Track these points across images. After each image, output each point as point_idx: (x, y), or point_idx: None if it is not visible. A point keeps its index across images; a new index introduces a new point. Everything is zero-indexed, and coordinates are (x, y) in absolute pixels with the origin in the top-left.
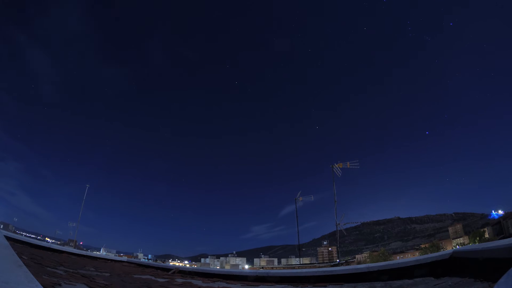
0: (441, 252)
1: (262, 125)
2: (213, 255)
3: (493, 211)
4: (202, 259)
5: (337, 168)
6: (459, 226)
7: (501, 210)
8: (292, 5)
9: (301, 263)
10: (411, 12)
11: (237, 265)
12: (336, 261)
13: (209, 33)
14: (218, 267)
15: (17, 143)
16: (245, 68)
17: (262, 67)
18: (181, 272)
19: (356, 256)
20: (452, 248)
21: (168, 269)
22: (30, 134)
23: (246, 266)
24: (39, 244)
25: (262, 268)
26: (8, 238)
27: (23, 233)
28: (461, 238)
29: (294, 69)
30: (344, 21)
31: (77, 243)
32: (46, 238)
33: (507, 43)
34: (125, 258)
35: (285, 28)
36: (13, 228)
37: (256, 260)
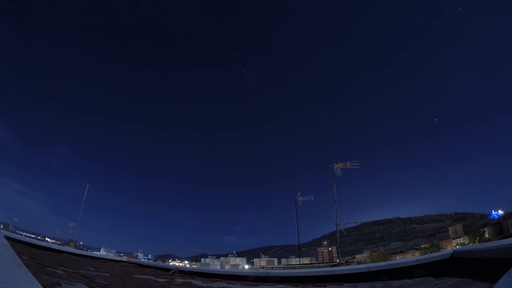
0: (441, 252)
1: (263, 125)
2: (213, 255)
3: (493, 211)
4: (202, 259)
5: (337, 168)
6: (459, 226)
7: (501, 210)
8: None
9: (301, 263)
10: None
11: (237, 265)
12: (336, 261)
13: (211, 30)
14: (218, 267)
15: (17, 142)
16: (245, 69)
17: (261, 68)
18: (181, 272)
19: (356, 256)
20: (452, 248)
21: (168, 269)
22: (31, 133)
23: (246, 266)
24: (39, 244)
25: (262, 268)
26: (8, 238)
27: (23, 233)
28: (461, 238)
29: (294, 68)
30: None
31: (77, 243)
32: (46, 238)
33: None
34: (125, 258)
35: (285, 22)
36: (13, 228)
37: (256, 260)
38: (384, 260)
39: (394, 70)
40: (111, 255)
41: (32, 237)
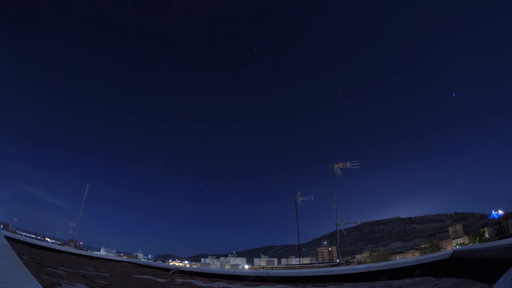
0: (441, 252)
1: (264, 126)
2: (213, 255)
3: (493, 211)
4: (202, 259)
5: (337, 168)
6: (459, 226)
7: (501, 210)
8: None
9: (301, 263)
10: None
11: (237, 265)
12: (336, 261)
13: (213, 26)
14: (218, 267)
15: (18, 141)
16: (246, 69)
17: (261, 69)
18: (181, 272)
19: (356, 256)
20: (452, 248)
21: (168, 269)
22: (31, 132)
23: (246, 266)
24: (39, 244)
25: (262, 268)
26: (8, 238)
27: (23, 233)
28: (461, 238)
29: (295, 70)
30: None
31: (77, 243)
32: (46, 238)
33: None
34: (125, 258)
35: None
36: (13, 228)
37: (256, 260)
38: (384, 260)
39: (394, 70)
40: (111, 255)
41: (32, 237)
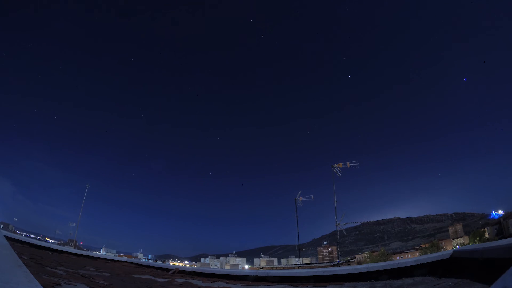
0: (441, 252)
1: (264, 126)
2: (213, 255)
3: (493, 211)
4: (202, 259)
5: (337, 168)
6: (459, 226)
7: (501, 210)
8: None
9: (301, 263)
10: None
11: (237, 265)
12: (336, 261)
13: (215, 26)
14: (218, 267)
15: (17, 140)
16: (244, 70)
17: (260, 70)
18: (181, 272)
19: (356, 256)
20: (452, 248)
21: (168, 269)
22: (30, 131)
23: (246, 266)
24: (39, 244)
25: (262, 268)
26: (8, 238)
27: (23, 233)
28: (461, 238)
29: (294, 70)
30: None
31: (77, 243)
32: (46, 238)
33: None
34: (125, 258)
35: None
36: (13, 228)
37: (256, 260)
38: (384, 260)
39: (395, 70)
40: (111, 255)
41: (32, 237)
